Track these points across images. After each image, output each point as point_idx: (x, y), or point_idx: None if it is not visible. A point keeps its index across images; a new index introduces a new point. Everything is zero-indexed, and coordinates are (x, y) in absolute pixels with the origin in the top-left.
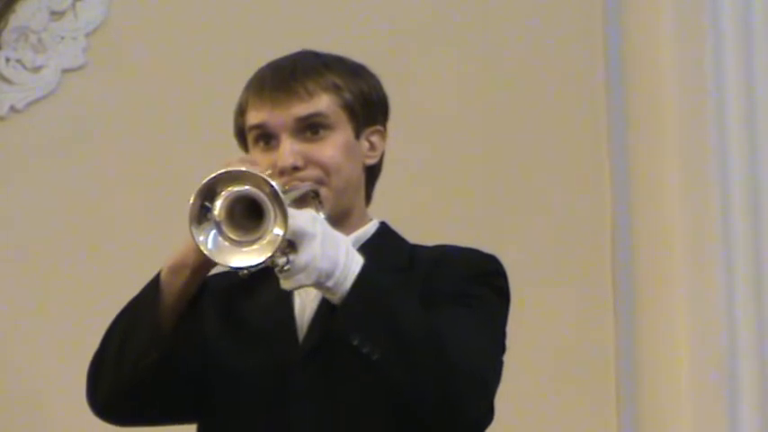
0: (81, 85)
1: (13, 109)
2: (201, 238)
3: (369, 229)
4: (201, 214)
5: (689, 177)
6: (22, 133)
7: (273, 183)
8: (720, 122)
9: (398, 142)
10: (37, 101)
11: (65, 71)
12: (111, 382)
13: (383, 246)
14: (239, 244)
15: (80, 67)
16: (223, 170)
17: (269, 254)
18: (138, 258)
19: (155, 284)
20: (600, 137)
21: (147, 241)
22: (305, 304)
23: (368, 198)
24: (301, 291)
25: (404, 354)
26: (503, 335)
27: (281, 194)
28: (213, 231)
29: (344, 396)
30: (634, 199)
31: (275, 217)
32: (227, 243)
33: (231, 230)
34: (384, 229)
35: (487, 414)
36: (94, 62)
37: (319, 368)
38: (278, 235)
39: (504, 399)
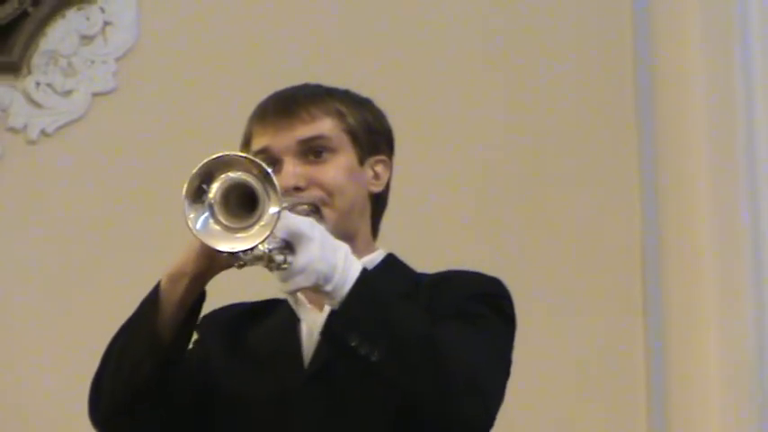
0: (111, 109)
1: (43, 133)
2: (192, 215)
3: (375, 257)
4: (197, 195)
5: (718, 187)
6: (53, 157)
7: (263, 165)
8: (749, 130)
9: (419, 155)
10: (67, 125)
11: (95, 95)
12: (110, 396)
13: (389, 273)
14: (232, 230)
15: (110, 92)
16: (217, 154)
17: (264, 235)
18: None
19: (154, 294)
20: (629, 148)
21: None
22: (312, 330)
23: (374, 230)
24: (308, 317)
25: (402, 355)
26: (505, 356)
27: (271, 175)
28: (205, 213)
29: (348, 417)
30: (663, 210)
31: (268, 198)
32: (217, 227)
33: (224, 217)
34: (391, 259)
35: (484, 419)
36: (124, 86)
37: (323, 390)
38: (273, 214)
39: (533, 412)
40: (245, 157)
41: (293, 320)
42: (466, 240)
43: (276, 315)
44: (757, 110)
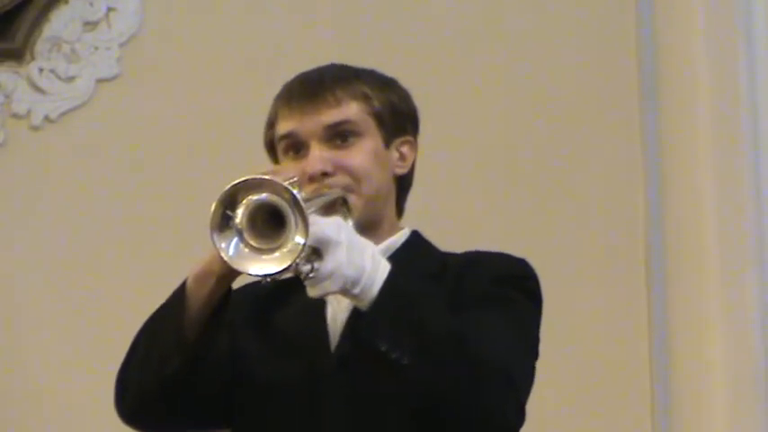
0: (115, 95)
1: (47, 119)
2: (223, 245)
3: (399, 237)
4: (223, 222)
5: (723, 182)
6: (56, 143)
7: (294, 190)
8: (755, 125)
9: (434, 149)
10: (71, 111)
11: (98, 81)
12: (137, 388)
13: (414, 254)
14: (260, 252)
15: (114, 78)
16: (243, 178)
17: (289, 262)
18: (170, 267)
19: (181, 292)
20: (633, 142)
21: (179, 250)
22: (336, 313)
23: (399, 210)
24: (332, 300)
25: (432, 358)
26: (535, 338)
27: (301, 202)
28: (235, 239)
29: (377, 404)
30: (667, 205)
31: (296, 225)
32: (247, 250)
33: (253, 238)
34: (415, 238)
35: (518, 415)
36: (128, 72)
37: (352, 376)
38: (299, 243)
39: (535, 409)
40: (271, 180)
41: (319, 301)
42: (470, 232)
43: (301, 293)
44: (762, 104)
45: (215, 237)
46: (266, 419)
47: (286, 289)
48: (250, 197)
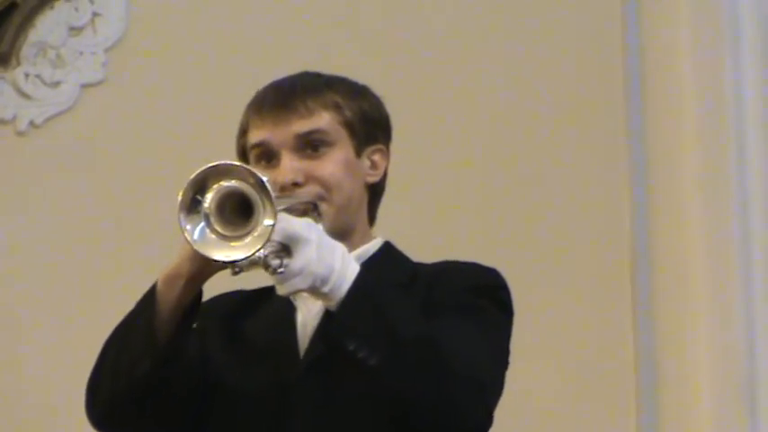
0: (100, 101)
1: (32, 124)
2: (188, 227)
3: (371, 247)
4: (192, 206)
5: (708, 181)
6: (41, 148)
7: (260, 174)
8: (740, 125)
9: (409, 152)
10: (56, 116)
11: (84, 86)
12: (107, 392)
13: (384, 263)
14: (226, 239)
15: (99, 83)
16: (214, 163)
17: (258, 246)
18: (155, 270)
19: (150, 295)
20: (618, 142)
21: (165, 253)
22: (306, 320)
23: (371, 218)
24: (302, 307)
25: (400, 359)
26: (504, 347)
27: (267, 185)
28: (201, 223)
29: (345, 409)
30: (653, 205)
31: (263, 208)
32: (213, 236)
33: (220, 225)
34: (387, 248)
35: (486, 421)
36: (113, 77)
37: (320, 382)
38: (268, 226)
39: (523, 408)
40: (240, 166)
41: (289, 309)
42: (453, 235)
43: (272, 303)
44: (747, 105)
45: (182, 218)
46: (235, 426)
47: (256, 300)
48: (220, 183)
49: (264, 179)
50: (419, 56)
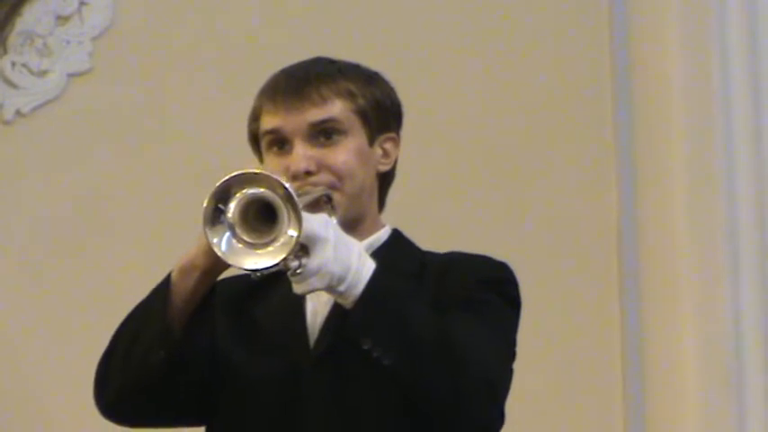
0: (87, 90)
1: (18, 113)
2: (215, 240)
3: (381, 235)
4: (215, 216)
5: (695, 176)
6: (28, 137)
7: (288, 185)
8: (727, 120)
9: (408, 148)
10: (42, 105)
11: (70, 75)
12: (118, 380)
13: (395, 252)
14: (252, 246)
15: (86, 72)
16: (237, 172)
17: (283, 256)
18: (143, 262)
19: (165, 285)
20: (606, 143)
21: (152, 244)
22: (317, 309)
23: (381, 205)
24: (313, 295)
25: (414, 358)
26: (512, 342)
27: (295, 197)
28: (227, 234)
29: (355, 400)
30: (640, 204)
31: (289, 219)
32: (240, 245)
33: (245, 233)
34: (396, 236)
35: (498, 419)
36: (100, 67)
37: (330, 372)
38: (292, 236)
39: (511, 402)
40: (265, 174)
41: (299, 296)
42: (438, 231)
43: (283, 287)
44: (735, 100)
45: (208, 231)
46: (245, 416)
47: (265, 284)
48: (243, 191)
49: (292, 190)
50: (407, 52)
